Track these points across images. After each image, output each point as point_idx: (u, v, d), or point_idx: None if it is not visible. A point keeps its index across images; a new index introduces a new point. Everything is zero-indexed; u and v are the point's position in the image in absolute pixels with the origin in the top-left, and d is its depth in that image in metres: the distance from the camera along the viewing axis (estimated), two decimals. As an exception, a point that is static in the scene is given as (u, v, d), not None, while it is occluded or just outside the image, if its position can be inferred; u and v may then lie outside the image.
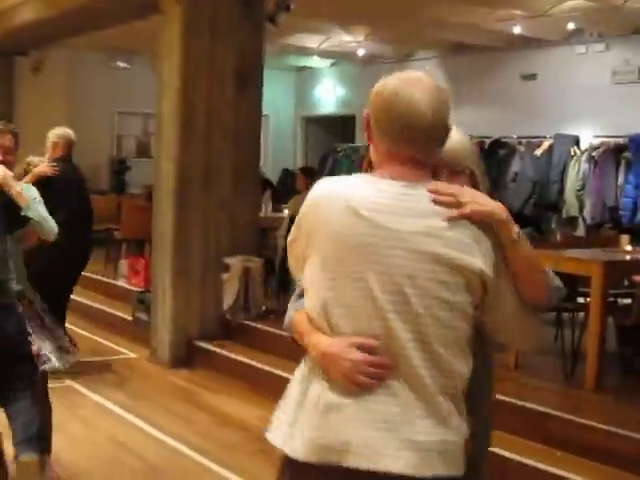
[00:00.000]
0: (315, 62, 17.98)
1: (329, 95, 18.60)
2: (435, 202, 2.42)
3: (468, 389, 2.51)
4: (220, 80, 9.04)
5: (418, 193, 2.44)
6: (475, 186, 2.63)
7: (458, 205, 2.42)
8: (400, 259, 2.38)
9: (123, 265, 11.83)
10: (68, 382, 8.16)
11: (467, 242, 2.41)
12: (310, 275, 2.51)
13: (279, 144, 18.85)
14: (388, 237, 2.38)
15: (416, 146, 2.48)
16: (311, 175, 10.94)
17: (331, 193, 2.48)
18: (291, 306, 2.72)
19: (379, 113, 2.54)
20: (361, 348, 2.41)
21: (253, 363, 8.36)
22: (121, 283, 11.56)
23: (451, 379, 2.44)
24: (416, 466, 2.38)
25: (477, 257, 2.41)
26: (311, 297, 2.51)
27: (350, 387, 2.41)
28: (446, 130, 2.56)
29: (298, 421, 2.48)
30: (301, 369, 2.59)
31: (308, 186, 10.45)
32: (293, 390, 2.58)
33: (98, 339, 10.03)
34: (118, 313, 10.51)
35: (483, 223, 2.46)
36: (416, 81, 2.52)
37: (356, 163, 15.86)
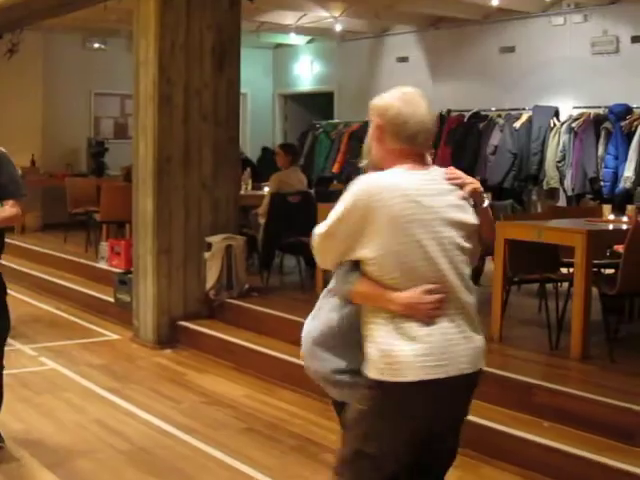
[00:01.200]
0: (292, 39, 17.87)
1: (307, 72, 18.51)
2: (451, 183, 3.47)
3: None
4: (197, 58, 8.96)
5: (433, 178, 3.46)
6: None
7: (463, 185, 3.49)
8: (439, 226, 3.37)
9: (104, 247, 11.76)
10: (52, 365, 8.13)
11: (468, 208, 3.48)
12: (378, 250, 3.33)
13: (257, 122, 18.75)
14: (430, 212, 3.35)
15: (427, 145, 3.51)
16: (292, 152, 10.89)
17: (389, 185, 3.34)
18: (344, 279, 3.50)
19: (395, 123, 3.44)
20: (429, 292, 3.34)
21: (237, 341, 8.34)
22: (102, 265, 11.50)
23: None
24: (476, 363, 3.52)
25: (473, 216, 3.49)
26: (386, 265, 3.34)
27: (430, 320, 3.35)
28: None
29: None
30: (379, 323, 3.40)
31: (289, 163, 10.35)
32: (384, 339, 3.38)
33: (80, 322, 9.99)
34: (100, 295, 10.47)
35: (472, 194, 3.51)
36: (415, 96, 3.49)
37: (335, 139, 15.87)
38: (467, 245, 3.45)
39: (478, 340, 3.51)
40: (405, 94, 3.48)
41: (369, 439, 3.45)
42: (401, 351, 3.32)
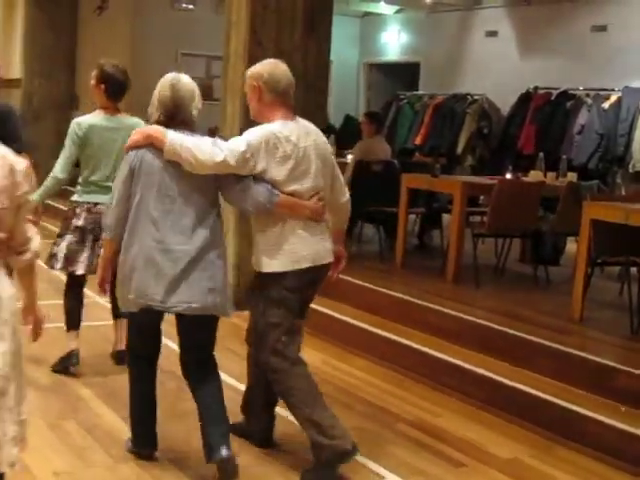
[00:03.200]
0: (380, 8, 17.81)
1: (393, 42, 18.43)
2: None
3: None
4: (289, 21, 8.93)
5: (304, 123, 5.02)
6: None
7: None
8: (316, 158, 4.91)
9: (185, 207, 11.81)
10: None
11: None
12: (278, 176, 4.82)
13: (342, 90, 18.71)
14: (309, 149, 4.87)
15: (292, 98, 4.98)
16: (376, 120, 10.83)
17: (274, 133, 4.78)
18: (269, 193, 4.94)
19: (272, 80, 4.86)
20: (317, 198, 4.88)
21: (314, 306, 8.28)
22: (182, 224, 11.55)
23: None
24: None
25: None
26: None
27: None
28: None
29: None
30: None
31: (373, 131, 10.25)
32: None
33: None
34: (179, 254, 10.51)
35: None
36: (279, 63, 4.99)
37: (419, 111, 15.81)
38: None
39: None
40: (271, 62, 4.93)
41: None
42: None
